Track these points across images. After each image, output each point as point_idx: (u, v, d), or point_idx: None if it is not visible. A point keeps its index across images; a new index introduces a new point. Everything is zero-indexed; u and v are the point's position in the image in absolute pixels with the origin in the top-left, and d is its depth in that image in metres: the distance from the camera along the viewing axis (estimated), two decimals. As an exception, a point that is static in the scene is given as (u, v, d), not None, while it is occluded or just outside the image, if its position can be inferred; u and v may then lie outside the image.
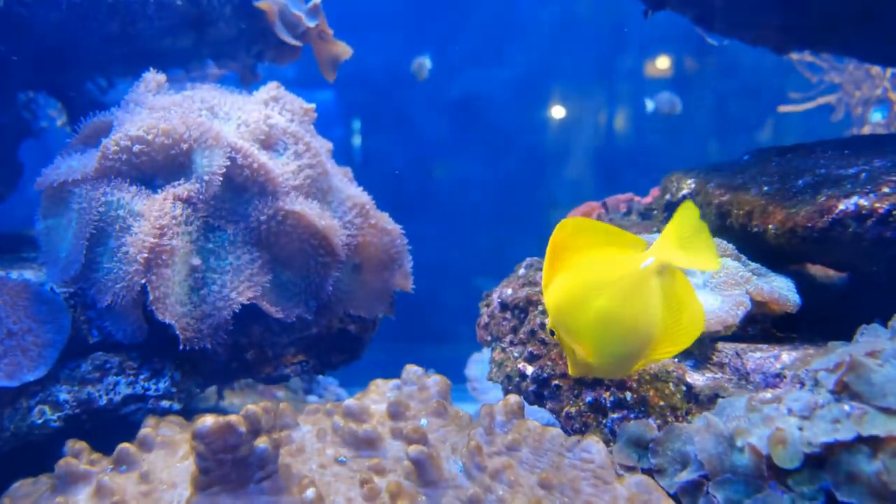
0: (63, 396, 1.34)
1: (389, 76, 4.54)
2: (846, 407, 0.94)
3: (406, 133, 4.80)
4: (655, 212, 1.86)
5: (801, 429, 0.95)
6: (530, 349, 1.40)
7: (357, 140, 4.82)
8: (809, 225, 1.19)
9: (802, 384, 1.05)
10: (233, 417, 0.95)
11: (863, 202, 1.14)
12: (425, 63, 4.09)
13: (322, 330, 1.66)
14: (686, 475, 1.04)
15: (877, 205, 1.12)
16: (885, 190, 1.14)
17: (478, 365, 2.69)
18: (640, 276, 0.96)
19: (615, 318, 0.99)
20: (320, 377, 2.91)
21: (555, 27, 4.86)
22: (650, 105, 4.00)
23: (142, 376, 1.41)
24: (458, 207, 4.78)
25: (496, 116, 4.81)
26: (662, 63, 4.75)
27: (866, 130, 3.68)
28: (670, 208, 1.71)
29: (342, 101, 4.70)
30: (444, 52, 4.77)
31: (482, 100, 4.79)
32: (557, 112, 4.88)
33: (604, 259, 1.00)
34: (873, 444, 0.89)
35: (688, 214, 0.95)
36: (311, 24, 2.11)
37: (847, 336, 1.13)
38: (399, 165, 4.75)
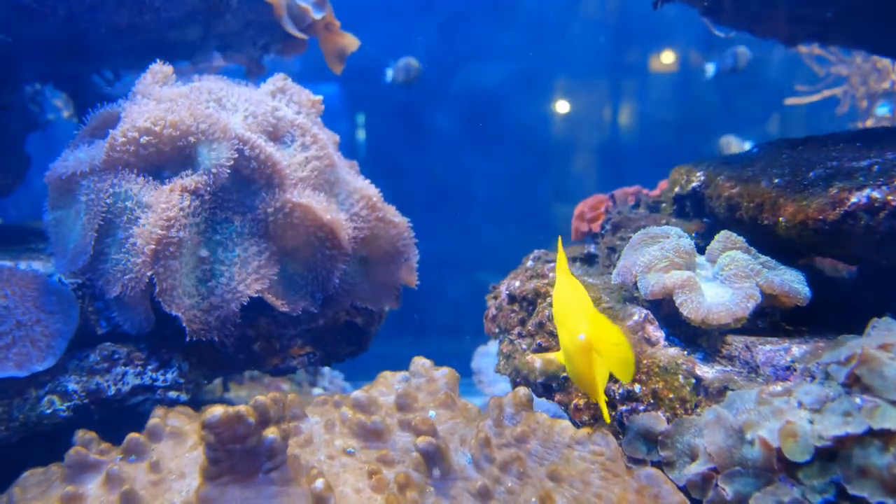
0: (72, 386, 1.35)
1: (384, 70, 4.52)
2: (857, 400, 0.94)
3: (411, 127, 4.79)
4: (664, 204, 1.85)
5: (811, 422, 0.95)
6: (539, 341, 1.39)
7: (362, 134, 4.81)
8: (821, 217, 1.18)
9: (813, 377, 1.04)
10: (242, 408, 0.95)
11: (875, 195, 1.13)
12: (412, 63, 3.91)
13: (329, 322, 1.65)
14: (695, 468, 1.04)
15: (889, 197, 1.11)
16: (898, 183, 1.13)
17: (483, 358, 2.69)
18: (579, 342, 1.07)
19: (568, 354, 1.12)
20: (325, 370, 2.91)
21: (561, 20, 4.84)
22: (711, 69, 3.91)
23: (150, 367, 1.41)
24: (463, 201, 4.77)
25: (502, 110, 4.80)
26: (668, 57, 4.74)
27: (870, 124, 3.67)
28: (679, 201, 1.70)
29: (347, 94, 4.69)
30: (450, 45, 4.76)
31: (488, 93, 4.78)
32: (563, 106, 4.86)
33: (579, 304, 1.13)
34: (885, 437, 0.89)
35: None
36: (318, 16, 2.10)
37: (857, 330, 1.13)
38: (404, 159, 4.74)
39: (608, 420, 1.07)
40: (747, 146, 3.87)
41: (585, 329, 1.06)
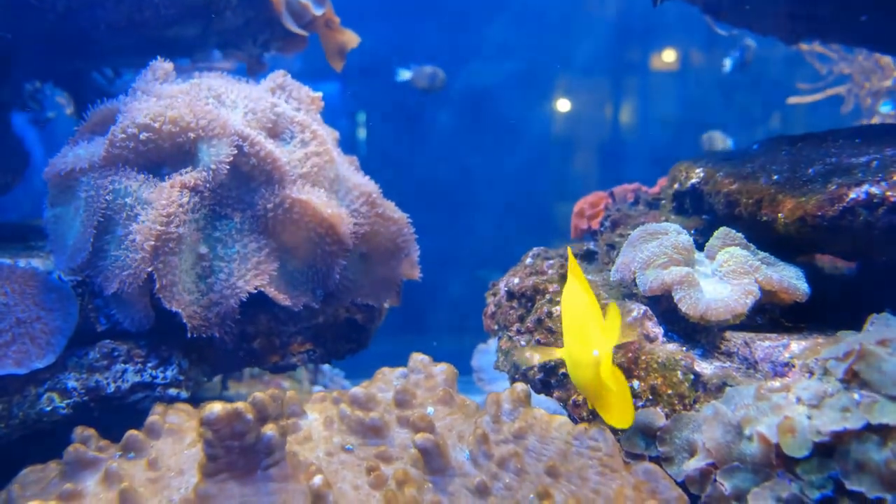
0: (71, 384, 1.35)
1: (395, 68, 4.52)
2: (856, 395, 0.94)
3: (411, 124, 4.79)
4: (663, 201, 1.85)
5: (810, 417, 0.95)
6: (537, 337, 1.39)
7: (363, 132, 4.81)
8: (820, 213, 1.18)
9: (811, 373, 1.04)
10: (240, 404, 0.95)
11: (874, 190, 1.13)
12: (439, 74, 3.89)
13: (329, 319, 1.66)
14: (694, 463, 1.04)
15: (888, 193, 1.11)
16: (897, 178, 1.13)
17: (483, 355, 2.69)
18: (592, 358, 1.06)
19: (575, 362, 1.10)
20: (326, 368, 2.92)
21: (562, 19, 4.84)
22: (728, 63, 3.91)
23: (149, 364, 1.41)
24: (462, 199, 4.77)
25: (502, 108, 4.80)
26: (668, 56, 4.73)
27: (875, 122, 3.66)
28: (679, 198, 1.70)
29: (347, 92, 4.69)
30: (451, 42, 4.76)
31: (489, 91, 4.78)
32: (563, 104, 4.86)
33: (591, 320, 1.12)
34: (883, 432, 0.89)
35: (614, 318, 1.09)
36: (318, 13, 2.10)
37: (856, 326, 1.13)
38: (404, 157, 4.74)
39: (628, 423, 1.06)
40: (731, 142, 3.86)
41: (599, 347, 1.07)
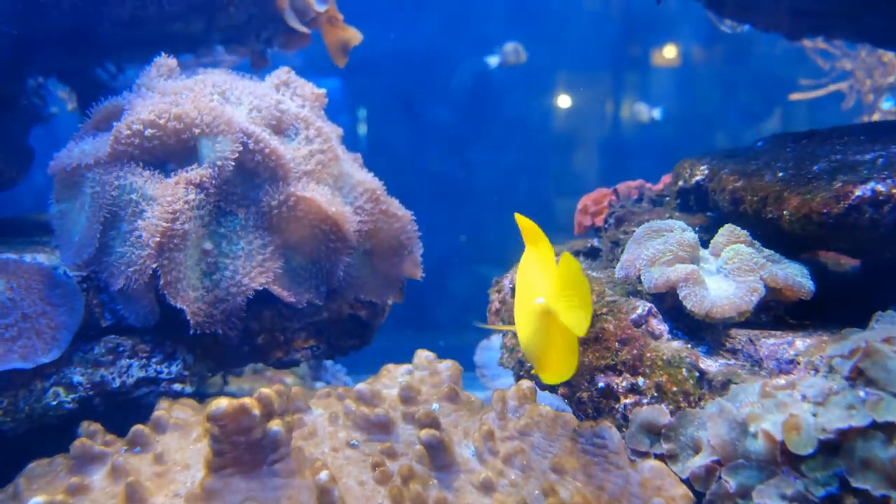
0: (77, 378, 1.35)
1: (396, 63, 4.52)
2: (861, 393, 0.94)
3: (413, 121, 4.79)
4: (667, 198, 1.85)
5: (815, 415, 0.95)
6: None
7: (363, 128, 4.81)
8: (825, 211, 1.18)
9: (817, 370, 1.05)
10: (247, 400, 0.95)
11: (880, 188, 1.13)
12: (520, 49, 3.99)
13: (333, 315, 1.66)
14: (699, 461, 1.04)
15: (894, 191, 1.11)
16: (902, 176, 1.13)
17: (486, 352, 2.69)
18: (534, 307, 1.07)
19: (518, 323, 1.13)
20: (328, 364, 2.92)
21: (564, 14, 4.83)
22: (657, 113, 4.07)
23: (154, 359, 1.42)
24: (465, 196, 4.77)
25: (505, 103, 4.80)
26: (671, 52, 4.73)
27: (876, 118, 3.66)
28: (683, 195, 1.70)
29: (349, 88, 4.69)
30: (453, 37, 4.75)
31: (491, 87, 4.77)
32: (565, 100, 4.86)
33: (532, 277, 1.14)
34: (888, 430, 0.89)
35: (569, 269, 1.05)
36: (321, 9, 2.10)
37: (861, 323, 1.13)
38: (406, 154, 4.74)
39: (563, 377, 1.06)
40: (656, 113, 3.95)
41: (544, 292, 1.07)
